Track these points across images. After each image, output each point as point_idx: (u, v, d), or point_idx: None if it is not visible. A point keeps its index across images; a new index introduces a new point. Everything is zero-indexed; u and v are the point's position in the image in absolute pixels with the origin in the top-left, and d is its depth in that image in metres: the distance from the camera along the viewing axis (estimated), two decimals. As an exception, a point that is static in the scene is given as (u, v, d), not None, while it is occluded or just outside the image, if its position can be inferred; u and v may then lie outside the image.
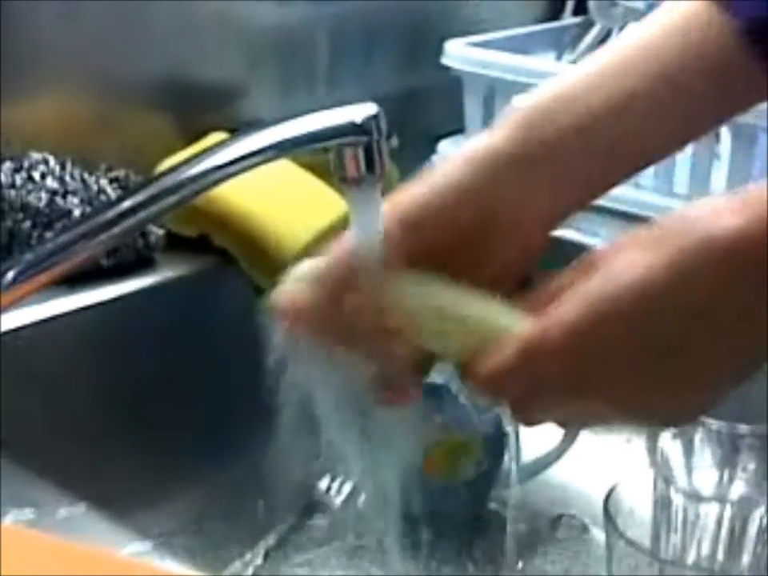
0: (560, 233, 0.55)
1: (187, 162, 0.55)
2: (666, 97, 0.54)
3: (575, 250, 0.96)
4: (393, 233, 0.51)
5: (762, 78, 0.54)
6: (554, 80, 0.55)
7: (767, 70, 0.54)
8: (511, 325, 0.50)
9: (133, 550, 0.60)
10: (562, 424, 0.57)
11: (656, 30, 0.55)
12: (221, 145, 0.55)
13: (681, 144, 0.58)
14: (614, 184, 0.56)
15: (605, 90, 0.54)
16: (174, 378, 0.88)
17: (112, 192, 0.86)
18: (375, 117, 0.51)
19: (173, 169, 0.55)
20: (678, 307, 0.47)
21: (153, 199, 0.55)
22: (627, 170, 0.56)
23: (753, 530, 0.70)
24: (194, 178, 0.54)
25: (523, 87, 1.10)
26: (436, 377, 0.59)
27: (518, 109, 0.54)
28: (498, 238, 0.53)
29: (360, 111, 0.51)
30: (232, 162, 0.54)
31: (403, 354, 0.52)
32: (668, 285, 0.47)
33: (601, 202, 0.56)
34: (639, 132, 0.54)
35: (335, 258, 0.53)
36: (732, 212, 0.47)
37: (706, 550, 0.71)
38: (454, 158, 0.54)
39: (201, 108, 1.02)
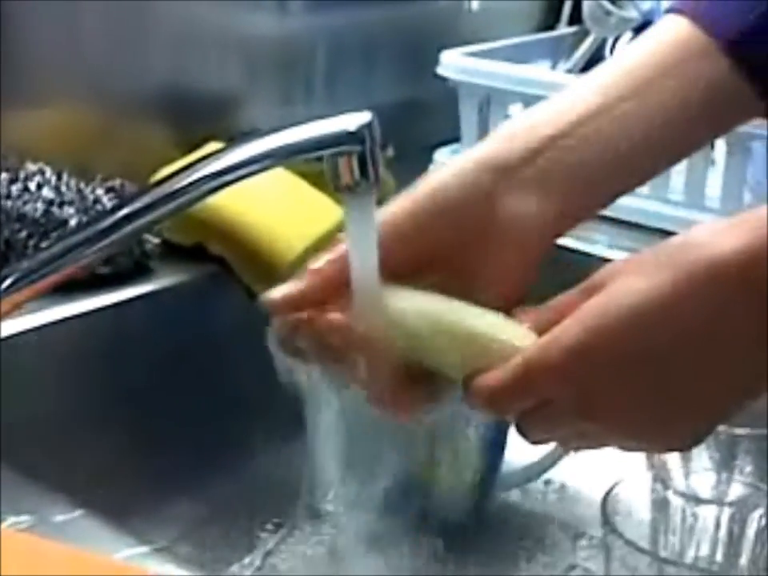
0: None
1: (182, 170, 0.55)
2: (658, 122, 0.54)
3: (571, 258, 0.96)
4: (386, 245, 0.51)
5: (752, 96, 0.55)
6: (550, 98, 0.56)
7: (755, 89, 0.55)
8: (511, 338, 0.50)
9: (129, 554, 0.60)
10: (565, 445, 0.57)
11: (647, 54, 0.56)
12: (216, 154, 0.55)
13: (674, 160, 0.59)
14: (607, 197, 0.56)
15: (595, 107, 0.54)
16: (171, 385, 0.88)
17: (108, 201, 0.86)
18: (369, 125, 0.51)
19: (168, 178, 0.56)
20: (682, 329, 0.47)
21: (148, 208, 0.55)
22: (618, 185, 0.56)
23: (751, 531, 0.70)
24: (189, 187, 0.54)
25: (518, 96, 1.11)
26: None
27: (508, 122, 0.55)
28: (491, 248, 0.53)
29: (353, 120, 0.51)
30: (227, 171, 0.54)
31: (385, 370, 0.51)
32: (672, 307, 0.47)
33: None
34: (624, 148, 0.54)
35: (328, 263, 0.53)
36: (733, 233, 0.47)
37: (704, 551, 0.71)
38: (444, 169, 0.54)
39: (198, 118, 1.02)
